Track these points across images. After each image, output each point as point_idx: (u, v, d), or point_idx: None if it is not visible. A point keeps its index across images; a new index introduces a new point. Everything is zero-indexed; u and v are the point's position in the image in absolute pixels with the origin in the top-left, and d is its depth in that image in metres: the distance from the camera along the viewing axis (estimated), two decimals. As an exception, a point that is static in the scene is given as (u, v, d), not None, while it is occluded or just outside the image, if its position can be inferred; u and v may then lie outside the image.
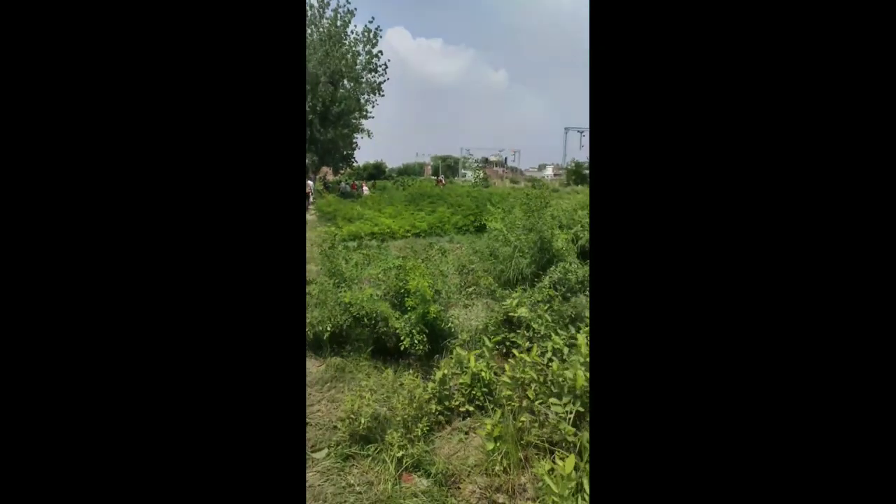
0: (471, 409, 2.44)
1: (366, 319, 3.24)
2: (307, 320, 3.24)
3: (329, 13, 18.25)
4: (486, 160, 45.24)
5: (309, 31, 18.21)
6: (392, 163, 46.91)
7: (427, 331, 3.01)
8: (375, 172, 38.98)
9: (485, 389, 2.48)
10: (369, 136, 22.28)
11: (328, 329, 3.14)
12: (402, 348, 2.89)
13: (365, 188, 22.47)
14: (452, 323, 3.30)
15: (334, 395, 2.59)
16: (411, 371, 2.67)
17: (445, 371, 2.48)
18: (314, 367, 2.97)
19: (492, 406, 2.41)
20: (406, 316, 3.03)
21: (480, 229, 10.10)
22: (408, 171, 46.51)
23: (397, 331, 2.94)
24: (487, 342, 2.83)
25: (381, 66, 19.74)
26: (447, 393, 2.48)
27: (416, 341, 2.88)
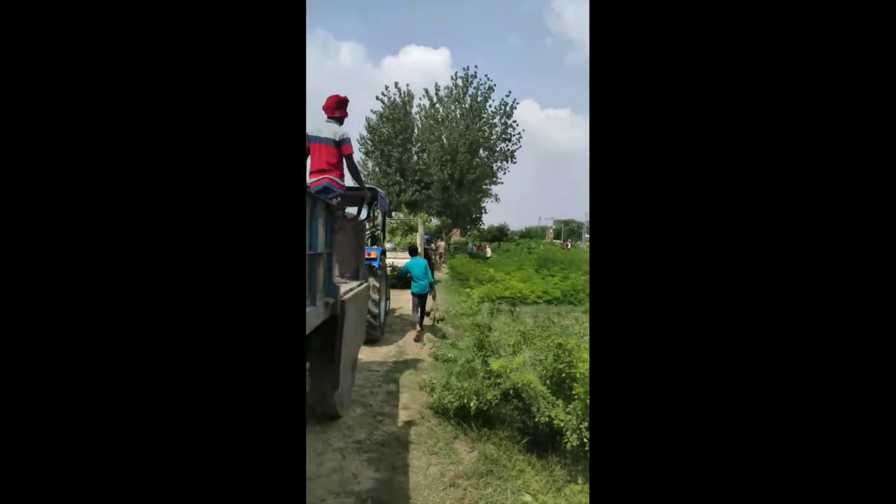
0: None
1: (515, 399, 2.91)
2: (454, 389, 3.04)
3: (471, 90, 19.97)
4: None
5: (452, 106, 20.10)
6: (514, 225, 47.42)
7: (593, 427, 2.54)
8: (499, 234, 39.78)
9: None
10: (497, 200, 22.98)
11: (474, 403, 2.88)
12: (567, 445, 2.46)
13: (488, 249, 22.92)
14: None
15: (492, 496, 2.25)
16: (581, 479, 2.22)
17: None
18: (465, 453, 2.70)
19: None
20: (572, 406, 2.62)
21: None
22: (530, 234, 46.47)
23: (561, 424, 2.53)
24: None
25: (514, 136, 20.60)
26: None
27: (585, 440, 2.43)
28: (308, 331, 2.06)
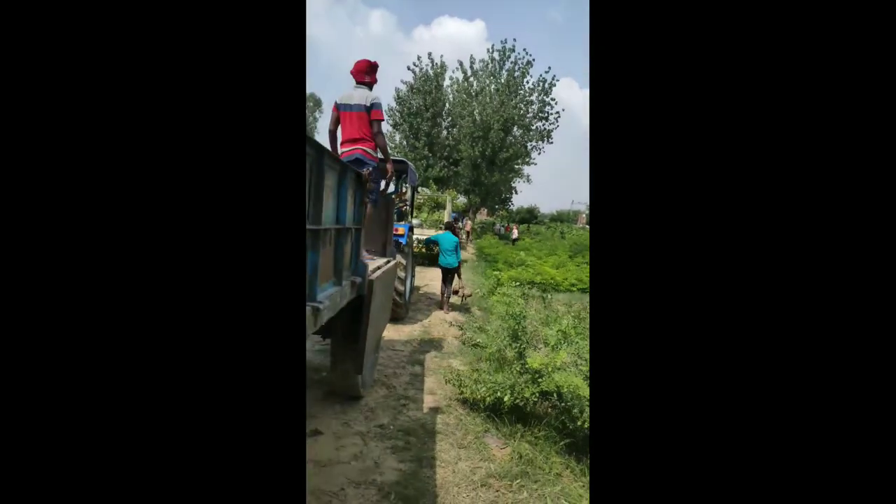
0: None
1: (556, 398, 2.67)
2: (487, 383, 2.84)
3: (508, 65, 19.12)
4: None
5: (487, 81, 19.37)
6: (545, 208, 46.36)
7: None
8: (528, 216, 38.96)
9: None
10: (528, 181, 22.30)
11: (509, 399, 2.66)
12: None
13: (515, 231, 22.41)
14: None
15: (527, 501, 2.06)
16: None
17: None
18: (497, 450, 2.50)
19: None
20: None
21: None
22: (561, 218, 45.39)
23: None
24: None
25: (552, 115, 19.66)
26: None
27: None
28: (333, 313, 1.88)
